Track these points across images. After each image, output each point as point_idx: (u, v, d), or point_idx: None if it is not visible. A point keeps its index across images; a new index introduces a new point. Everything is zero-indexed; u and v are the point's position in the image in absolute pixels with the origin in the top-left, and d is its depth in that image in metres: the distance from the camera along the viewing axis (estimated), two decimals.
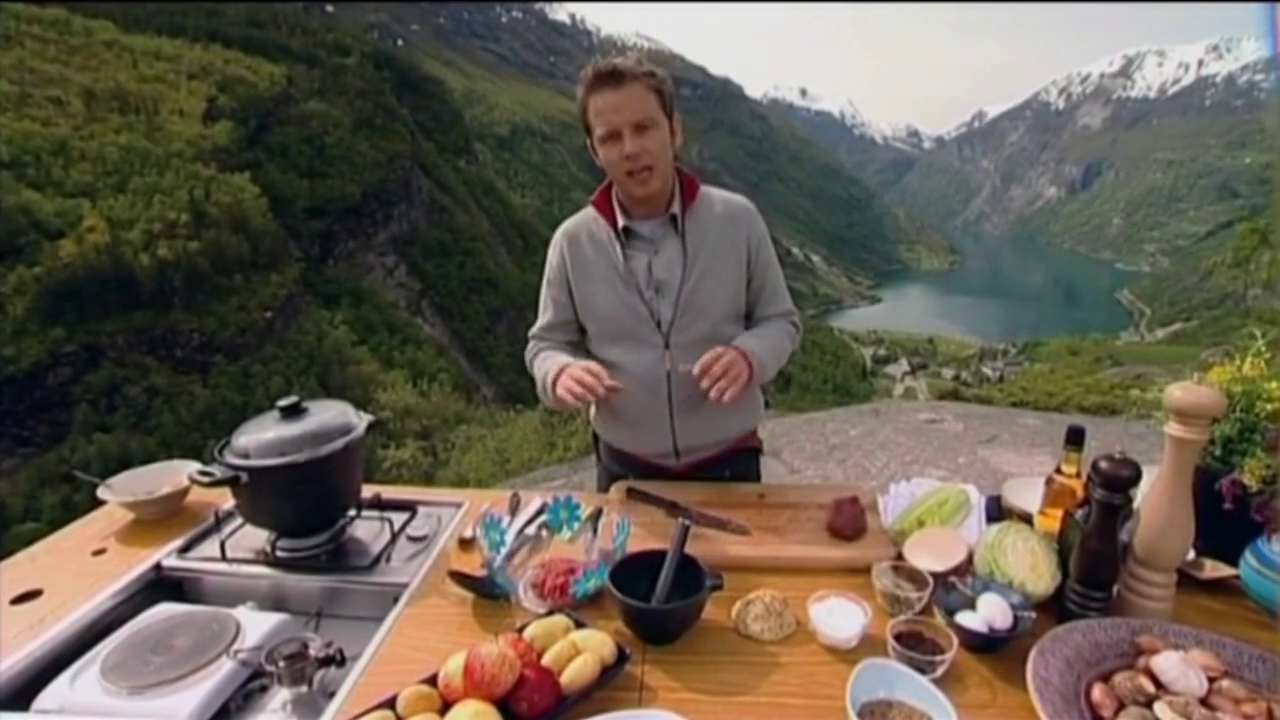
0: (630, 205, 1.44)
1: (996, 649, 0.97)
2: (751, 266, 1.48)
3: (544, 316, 1.57)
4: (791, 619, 1.04)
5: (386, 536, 1.31)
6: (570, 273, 1.48)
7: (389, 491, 1.45)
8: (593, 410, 1.64)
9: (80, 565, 1.26)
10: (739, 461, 1.59)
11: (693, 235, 1.43)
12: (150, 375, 36.23)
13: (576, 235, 1.49)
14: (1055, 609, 1.04)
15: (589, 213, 1.49)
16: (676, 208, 1.43)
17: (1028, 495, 1.25)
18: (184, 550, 1.30)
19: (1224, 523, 1.08)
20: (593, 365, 1.35)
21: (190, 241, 41.64)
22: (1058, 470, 1.15)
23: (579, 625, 1.00)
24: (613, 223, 1.44)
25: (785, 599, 1.06)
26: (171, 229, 41.54)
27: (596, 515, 1.32)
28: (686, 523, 1.14)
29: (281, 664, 0.96)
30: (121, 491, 1.41)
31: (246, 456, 1.18)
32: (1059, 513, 1.10)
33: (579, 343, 1.59)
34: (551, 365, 1.44)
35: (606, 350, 1.50)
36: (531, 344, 1.60)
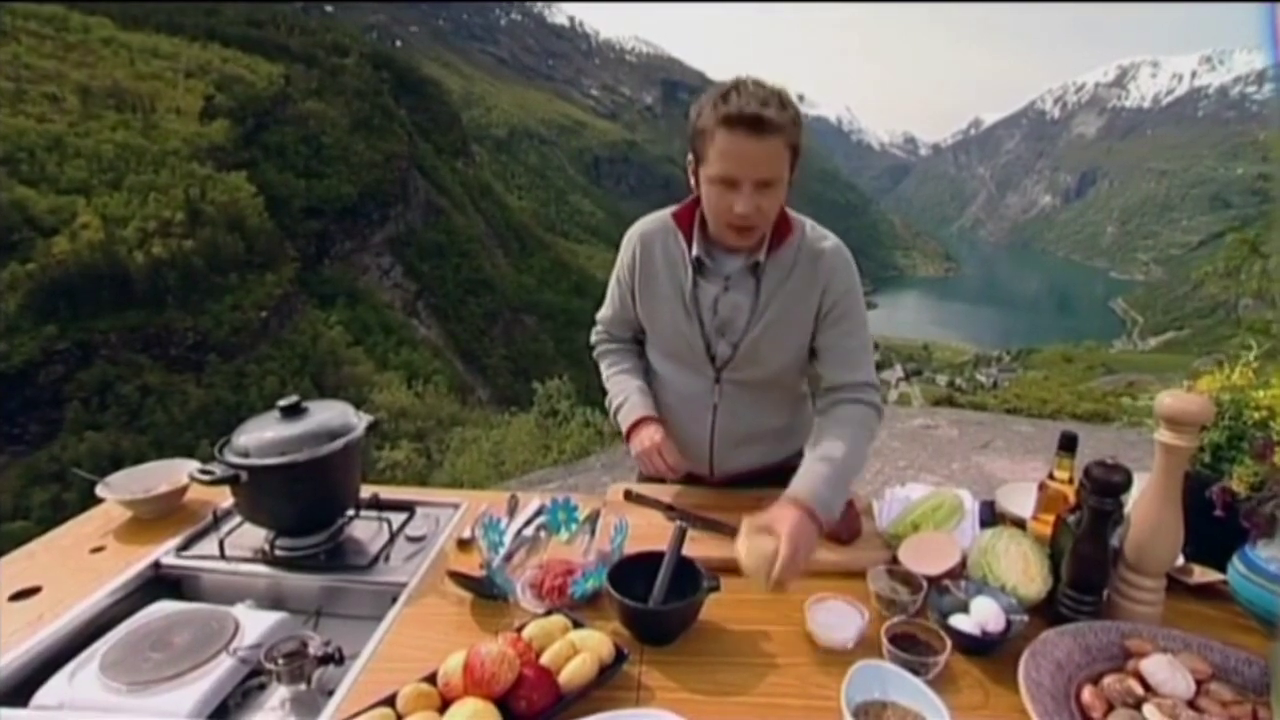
0: (716, 239, 1.33)
1: (989, 651, 0.98)
2: (821, 314, 1.33)
3: (609, 308, 1.52)
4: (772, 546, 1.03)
5: (385, 536, 1.31)
6: (637, 280, 1.42)
7: (386, 492, 1.45)
8: None
9: (79, 562, 1.26)
10: (778, 477, 1.48)
11: (770, 280, 1.31)
12: (143, 374, 36.07)
13: (650, 244, 1.39)
14: (1047, 612, 1.05)
15: (668, 224, 1.38)
16: (761, 254, 1.30)
17: (1021, 500, 1.26)
18: (182, 548, 1.30)
19: (1212, 529, 1.09)
20: (666, 447, 1.36)
21: (185, 240, 41.55)
22: (1050, 476, 1.16)
23: (577, 625, 1.01)
24: (690, 246, 1.34)
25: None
26: (166, 227, 41.43)
27: (594, 517, 1.33)
28: (683, 525, 1.15)
29: (280, 662, 0.97)
30: (120, 489, 1.40)
31: (246, 455, 1.19)
32: (1051, 518, 1.12)
33: (644, 338, 1.54)
34: (626, 401, 1.44)
35: (659, 362, 1.48)
36: (598, 333, 1.57)
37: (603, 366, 1.55)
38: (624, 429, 1.44)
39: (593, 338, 1.60)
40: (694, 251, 1.33)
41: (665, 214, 1.40)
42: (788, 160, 1.20)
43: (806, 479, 1.18)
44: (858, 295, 1.36)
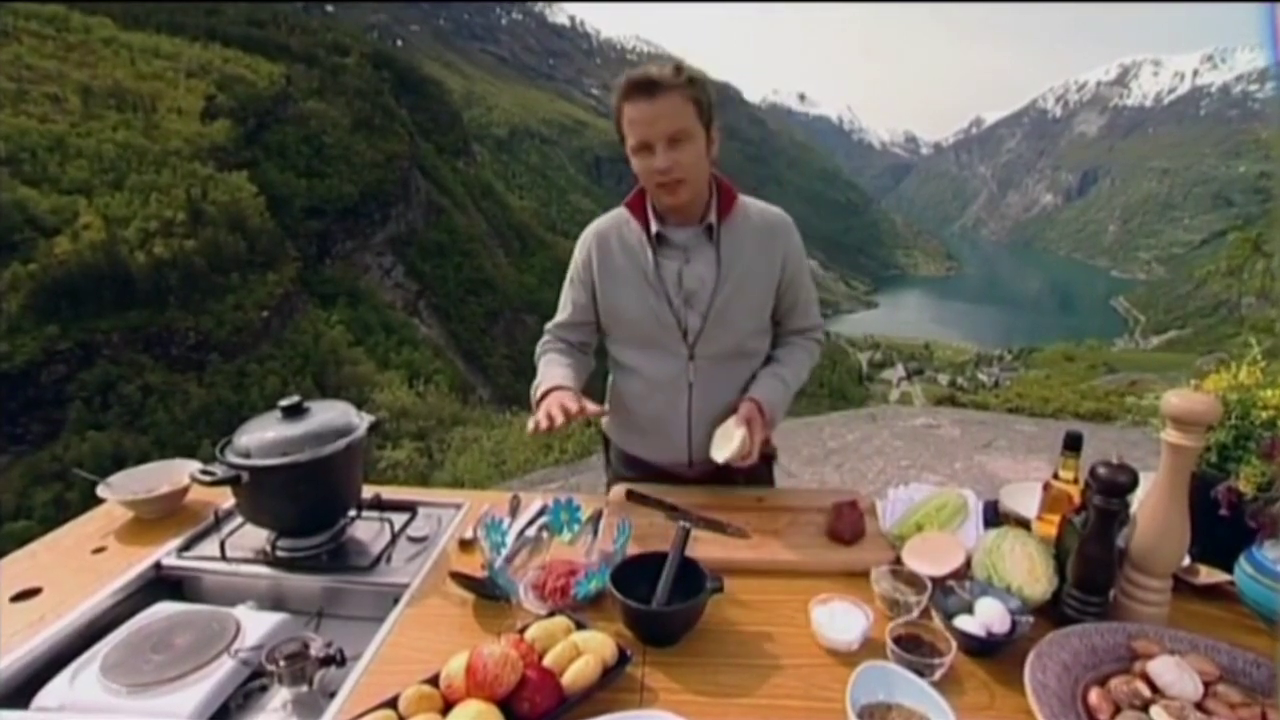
0: (664, 212, 1.41)
1: (994, 652, 0.98)
2: (784, 283, 1.46)
3: (562, 313, 1.55)
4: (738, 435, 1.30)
5: (387, 537, 1.31)
6: (596, 275, 1.46)
7: (388, 492, 1.45)
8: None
9: (80, 563, 1.26)
10: (754, 468, 1.56)
11: (728, 246, 1.40)
12: (145, 374, 36.08)
13: (606, 236, 1.46)
14: (1052, 613, 1.04)
15: (621, 214, 1.46)
16: (713, 217, 1.40)
17: (1025, 500, 1.26)
18: (184, 549, 1.30)
19: (1219, 529, 1.09)
20: (569, 402, 1.30)
21: (187, 240, 41.55)
22: (1055, 475, 1.16)
23: (580, 626, 1.00)
24: (646, 227, 1.41)
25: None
26: (168, 227, 41.44)
27: (597, 517, 1.33)
28: (686, 526, 1.14)
29: (282, 663, 0.96)
30: (121, 490, 1.40)
31: (248, 456, 1.18)
32: (1056, 518, 1.11)
33: (591, 344, 1.56)
34: (545, 379, 1.42)
35: (629, 355, 1.49)
36: (544, 338, 1.58)
37: (540, 364, 1.52)
38: (535, 401, 1.40)
39: (538, 346, 1.58)
40: (653, 229, 1.39)
41: (617, 209, 1.48)
42: (693, 114, 1.29)
43: (767, 390, 1.42)
44: (805, 258, 1.52)
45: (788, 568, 1.21)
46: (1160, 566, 1.01)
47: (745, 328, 1.44)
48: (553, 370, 1.45)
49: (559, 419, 1.26)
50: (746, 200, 1.46)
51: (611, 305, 1.46)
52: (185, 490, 1.44)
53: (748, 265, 1.41)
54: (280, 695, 0.99)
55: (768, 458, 1.64)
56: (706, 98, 1.30)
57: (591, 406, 1.32)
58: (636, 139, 1.30)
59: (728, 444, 1.33)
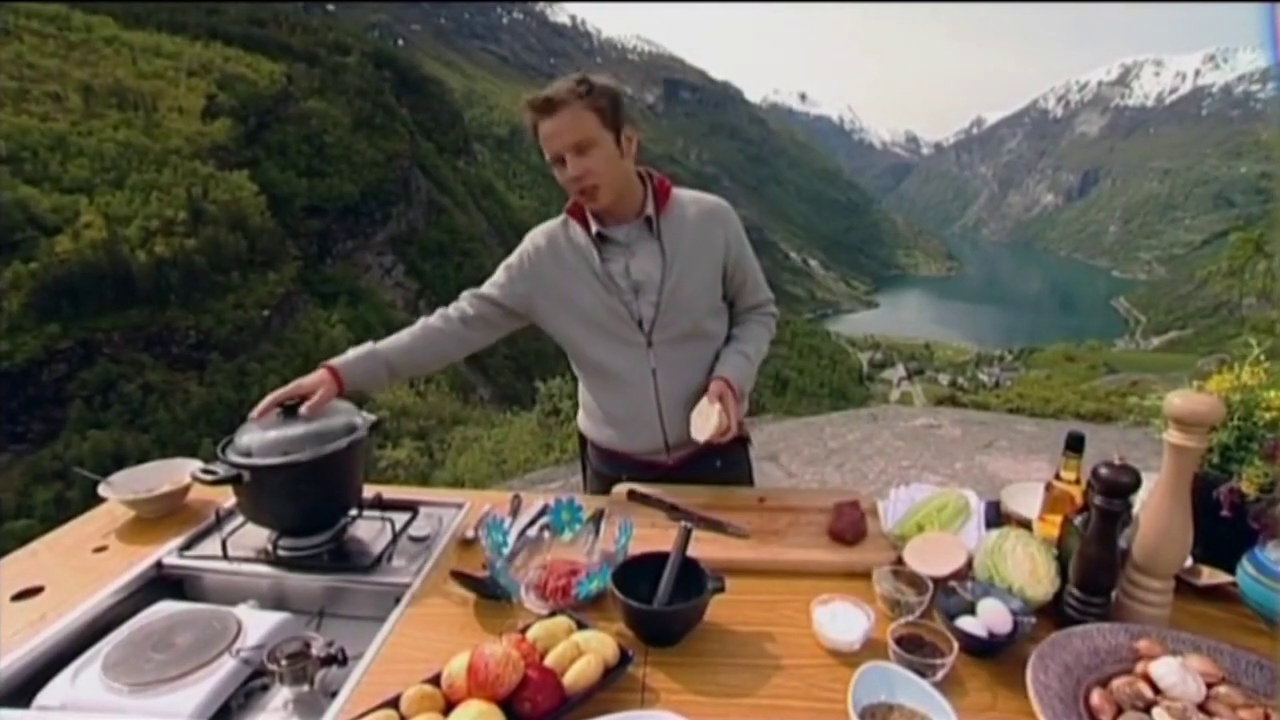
0: (599, 213, 1.45)
1: (996, 653, 0.97)
2: (729, 265, 1.51)
3: (487, 284, 1.54)
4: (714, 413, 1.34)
5: (388, 536, 1.31)
6: (546, 270, 1.48)
7: (389, 491, 1.45)
8: (580, 413, 1.68)
9: (81, 562, 1.26)
10: (729, 452, 1.59)
11: (669, 236, 1.45)
12: (146, 372, 36.12)
13: (555, 238, 1.50)
14: (1054, 614, 1.04)
15: (564, 219, 1.51)
16: (650, 210, 1.45)
17: (1027, 501, 1.26)
18: (185, 548, 1.30)
19: (1221, 530, 1.09)
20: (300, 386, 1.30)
21: (188, 239, 41.59)
22: (1057, 476, 1.15)
23: (581, 626, 1.00)
24: (587, 229, 1.46)
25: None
26: (169, 226, 41.48)
27: (598, 517, 1.33)
28: (688, 525, 1.14)
29: (283, 663, 0.96)
30: (122, 489, 1.40)
31: (249, 455, 1.18)
32: (1058, 519, 1.11)
33: (491, 326, 1.54)
34: (350, 351, 1.43)
35: (590, 354, 1.51)
36: (454, 302, 1.55)
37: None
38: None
39: (448, 304, 1.56)
40: (593, 229, 1.44)
41: (560, 216, 1.53)
42: (595, 122, 1.33)
43: (732, 366, 1.48)
44: (746, 238, 1.56)
45: (789, 568, 1.21)
46: (1162, 567, 1.01)
47: (698, 310, 1.48)
48: (378, 345, 1.46)
49: (267, 409, 1.26)
50: (681, 192, 1.52)
51: (569, 304, 1.48)
52: (186, 489, 1.44)
53: (690, 252, 1.45)
54: (281, 695, 0.99)
55: (742, 440, 1.65)
56: (611, 105, 1.35)
57: (314, 399, 1.28)
58: (549, 154, 1.36)
59: (706, 423, 1.37)
